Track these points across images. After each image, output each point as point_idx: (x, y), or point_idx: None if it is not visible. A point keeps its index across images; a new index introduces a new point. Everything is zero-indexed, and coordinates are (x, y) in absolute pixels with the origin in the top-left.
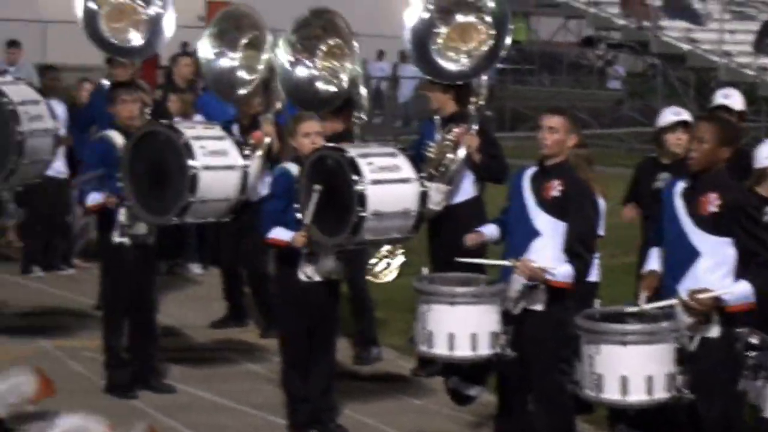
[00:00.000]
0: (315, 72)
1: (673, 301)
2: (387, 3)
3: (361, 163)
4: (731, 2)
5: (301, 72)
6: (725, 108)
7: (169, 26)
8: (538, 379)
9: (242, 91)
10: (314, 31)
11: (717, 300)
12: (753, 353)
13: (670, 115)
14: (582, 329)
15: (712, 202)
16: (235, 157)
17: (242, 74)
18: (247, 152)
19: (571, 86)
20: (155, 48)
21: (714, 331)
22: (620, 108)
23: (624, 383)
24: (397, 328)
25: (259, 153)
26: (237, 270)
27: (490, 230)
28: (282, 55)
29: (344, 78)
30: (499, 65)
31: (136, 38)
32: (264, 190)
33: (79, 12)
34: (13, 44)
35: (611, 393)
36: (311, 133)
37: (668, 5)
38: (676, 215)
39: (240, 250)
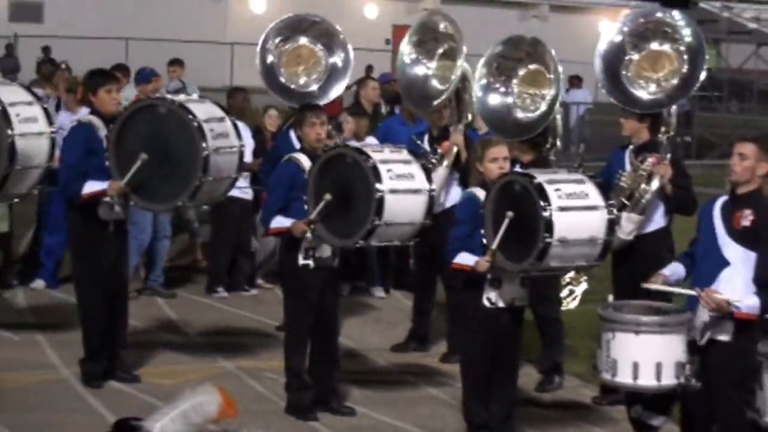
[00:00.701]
0: (512, 100)
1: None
2: (577, 29)
3: (549, 189)
4: None
5: (498, 99)
6: None
7: (346, 76)
8: (722, 410)
9: (435, 102)
10: (517, 54)
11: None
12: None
13: None
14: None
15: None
16: (421, 181)
17: (436, 84)
18: (434, 161)
19: (761, 114)
20: (329, 96)
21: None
22: None
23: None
24: (579, 356)
25: (446, 163)
26: (430, 292)
27: (675, 270)
28: (479, 78)
29: (544, 107)
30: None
31: (311, 83)
32: (449, 201)
33: (259, 65)
34: (174, 62)
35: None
36: (499, 158)
37: None
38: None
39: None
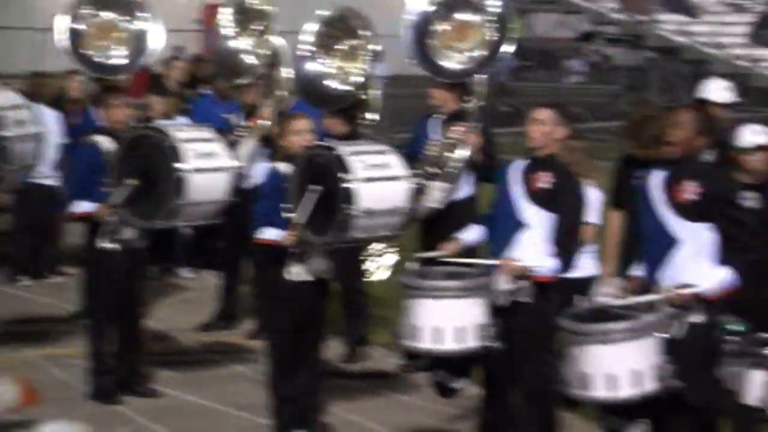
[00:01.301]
0: (328, 70)
1: (656, 297)
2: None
3: (351, 160)
4: None
5: (314, 68)
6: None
7: (156, 40)
8: (523, 371)
9: (243, 81)
10: (334, 32)
11: (698, 294)
12: (734, 339)
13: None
14: (565, 330)
15: (692, 191)
16: (224, 159)
17: (249, 59)
18: (242, 134)
19: (566, 81)
20: (140, 64)
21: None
22: (616, 102)
23: (611, 381)
24: (386, 326)
25: (253, 138)
26: (236, 270)
27: (472, 234)
28: (298, 49)
29: (355, 79)
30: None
31: (121, 55)
32: (258, 177)
33: (62, 33)
34: None
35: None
36: (302, 131)
37: None
38: (654, 205)
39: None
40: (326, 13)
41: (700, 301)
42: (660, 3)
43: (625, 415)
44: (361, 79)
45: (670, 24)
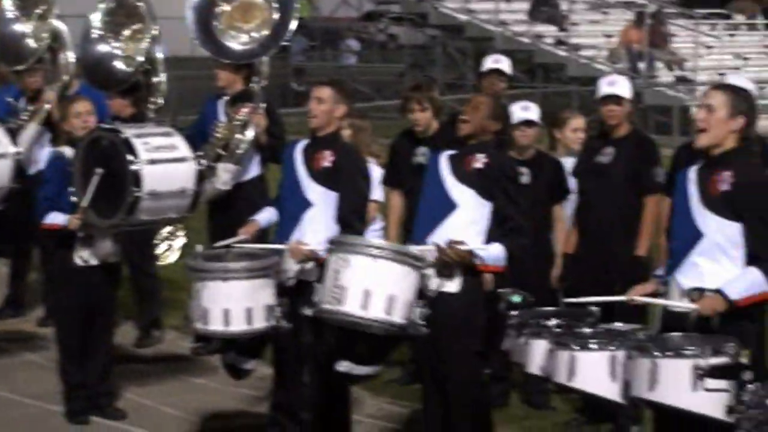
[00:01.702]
0: (114, 51)
1: (430, 248)
2: None
3: (137, 142)
4: None
5: (102, 50)
6: (498, 71)
7: None
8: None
9: (20, 67)
10: (119, 18)
11: (471, 255)
12: (516, 312)
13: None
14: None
15: (479, 161)
16: (5, 145)
17: (31, 43)
18: (24, 118)
19: (355, 61)
20: None
21: (454, 286)
22: (402, 80)
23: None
24: (178, 309)
25: (36, 120)
26: (24, 256)
27: (267, 215)
28: (84, 32)
29: (138, 60)
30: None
31: None
32: (42, 162)
33: None
34: None
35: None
36: (82, 113)
37: None
38: (440, 175)
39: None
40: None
41: (464, 269)
42: None
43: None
44: (142, 60)
45: (452, 2)
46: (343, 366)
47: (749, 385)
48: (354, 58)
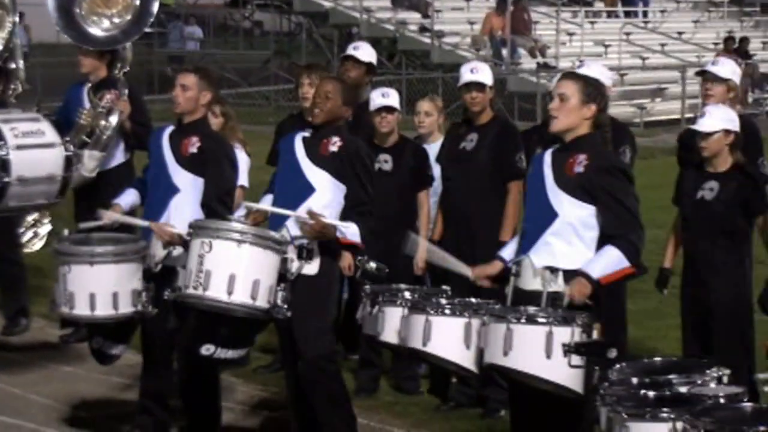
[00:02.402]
0: None
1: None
2: None
3: (4, 128)
4: None
5: None
6: (353, 59)
7: None
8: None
9: None
10: None
11: (332, 228)
12: (369, 282)
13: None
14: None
15: (335, 144)
16: None
17: None
18: None
19: (220, 47)
20: None
21: (313, 268)
22: (267, 67)
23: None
24: (45, 297)
25: None
26: None
27: (129, 199)
28: None
29: None
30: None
31: None
32: None
33: None
34: None
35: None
36: None
37: None
38: (297, 158)
39: None
40: None
41: (322, 247)
42: None
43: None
44: (1, 48)
45: None
46: (207, 349)
47: (617, 366)
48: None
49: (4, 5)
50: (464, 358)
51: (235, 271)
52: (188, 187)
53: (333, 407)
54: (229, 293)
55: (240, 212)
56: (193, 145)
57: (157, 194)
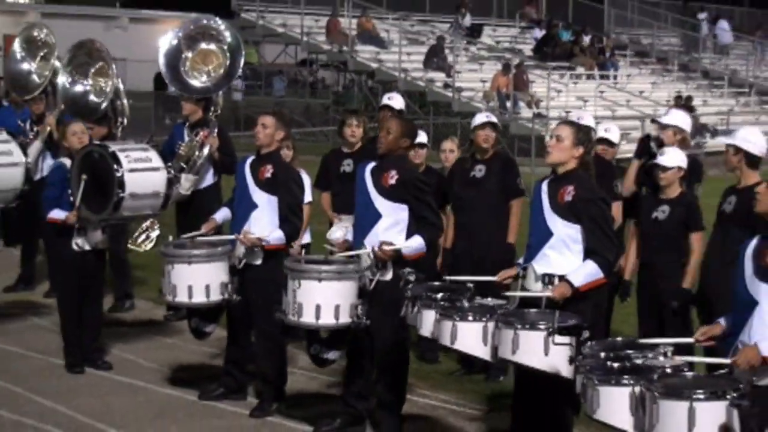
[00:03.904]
0: (87, 88)
1: (364, 251)
2: (152, 36)
3: (120, 155)
4: (407, 32)
5: (78, 88)
6: (388, 107)
7: None
8: (259, 317)
9: (27, 96)
10: (83, 59)
11: (398, 252)
12: (410, 287)
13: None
14: (288, 269)
15: (393, 177)
16: (18, 156)
17: (35, 79)
18: (31, 135)
19: (292, 96)
20: None
21: (388, 276)
22: (328, 112)
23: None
24: (153, 285)
25: (40, 138)
26: (32, 242)
27: (223, 214)
28: (62, 77)
29: (108, 92)
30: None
31: None
32: (45, 170)
33: None
34: None
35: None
36: (78, 132)
37: (361, 34)
38: (366, 188)
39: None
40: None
41: (397, 258)
42: (358, 36)
43: (325, 342)
44: (108, 94)
45: (365, 53)
46: (314, 349)
47: (588, 342)
48: (281, 92)
49: (103, 57)
50: (482, 352)
51: (320, 301)
52: (265, 204)
53: (399, 376)
54: (317, 318)
55: (337, 234)
56: (268, 171)
57: (241, 209)
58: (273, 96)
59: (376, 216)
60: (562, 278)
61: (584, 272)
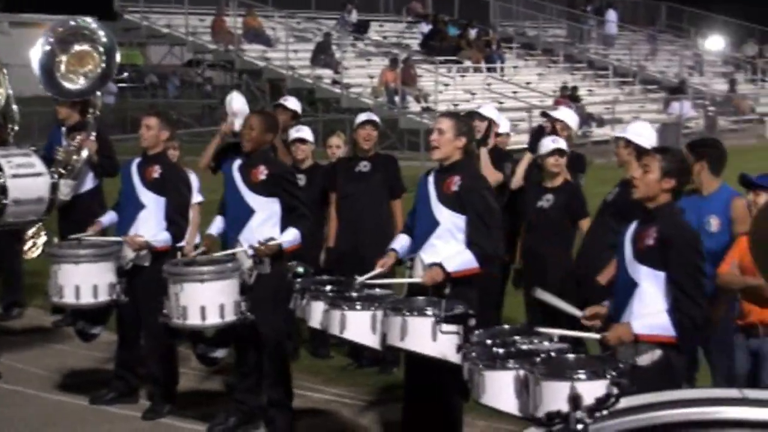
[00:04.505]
0: None
1: (240, 249)
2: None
3: (2, 161)
4: (293, 29)
5: None
6: (283, 107)
7: None
8: (147, 319)
9: None
10: None
11: (279, 246)
12: (298, 280)
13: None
14: (168, 273)
15: (262, 173)
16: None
17: None
18: None
19: (178, 98)
20: None
21: (267, 269)
22: (214, 112)
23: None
24: (43, 293)
25: None
26: None
27: (109, 218)
28: None
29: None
30: (122, 84)
31: None
32: None
33: None
34: None
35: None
36: None
37: (247, 32)
38: (236, 184)
39: None
40: None
41: (278, 252)
42: (244, 35)
43: (211, 341)
44: (2, 99)
45: (252, 52)
46: (200, 348)
47: (474, 330)
48: (175, 93)
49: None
50: (372, 340)
51: (204, 302)
52: (152, 204)
53: (282, 371)
54: (203, 319)
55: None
56: (156, 171)
57: (128, 210)
58: (159, 98)
59: (249, 212)
60: (436, 264)
61: (459, 259)
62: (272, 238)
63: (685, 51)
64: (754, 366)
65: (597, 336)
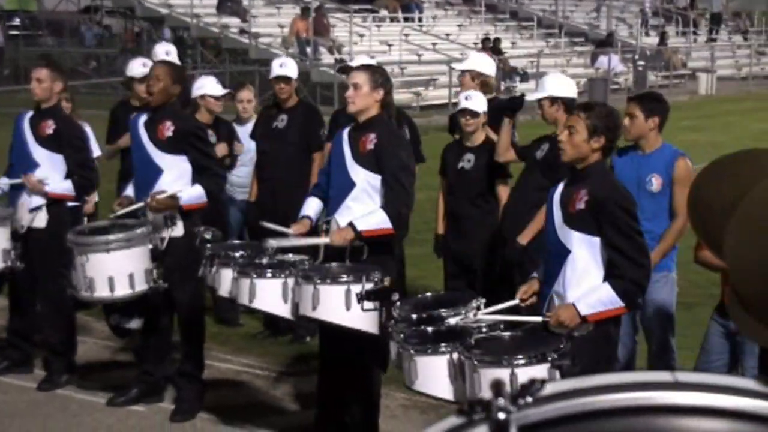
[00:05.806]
0: None
1: (138, 205)
2: None
3: None
4: None
5: None
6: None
7: None
8: (43, 284)
9: None
10: None
11: (174, 198)
12: (208, 246)
13: (139, 66)
14: (73, 243)
15: (169, 129)
16: None
17: None
18: None
19: (74, 47)
20: None
21: (179, 231)
22: (115, 63)
23: (111, 282)
24: None
25: None
26: None
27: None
28: None
29: None
30: (13, 32)
31: None
32: None
33: None
34: None
35: (102, 291)
36: None
37: None
38: (142, 142)
39: None
40: None
41: (178, 212)
42: None
43: (124, 311)
44: None
45: None
46: (114, 319)
47: (398, 305)
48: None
49: None
50: (283, 310)
51: (112, 273)
52: (46, 161)
53: (196, 341)
54: (111, 291)
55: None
56: (50, 127)
57: (20, 168)
58: (43, 47)
59: (158, 171)
60: (348, 224)
61: (372, 219)
62: (164, 191)
63: (614, 1)
64: (732, 347)
65: (539, 319)
